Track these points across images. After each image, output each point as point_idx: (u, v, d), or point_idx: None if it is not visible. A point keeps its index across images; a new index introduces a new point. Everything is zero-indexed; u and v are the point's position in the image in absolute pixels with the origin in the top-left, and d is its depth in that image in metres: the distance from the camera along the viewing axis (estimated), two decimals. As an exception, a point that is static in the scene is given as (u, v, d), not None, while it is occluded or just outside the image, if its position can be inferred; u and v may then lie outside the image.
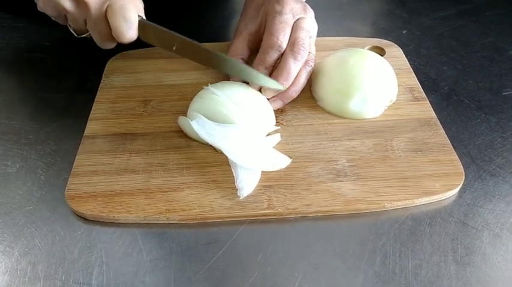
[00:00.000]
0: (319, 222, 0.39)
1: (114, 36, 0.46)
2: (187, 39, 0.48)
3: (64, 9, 0.45)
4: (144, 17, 0.47)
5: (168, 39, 0.48)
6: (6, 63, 0.58)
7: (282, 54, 0.47)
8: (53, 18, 0.48)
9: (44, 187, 0.42)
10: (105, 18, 0.46)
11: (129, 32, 0.46)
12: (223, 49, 0.55)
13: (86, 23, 0.47)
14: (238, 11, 0.54)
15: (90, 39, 0.49)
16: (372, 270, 0.36)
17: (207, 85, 0.47)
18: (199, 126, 0.43)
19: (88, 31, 0.48)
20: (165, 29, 0.47)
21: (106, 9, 0.45)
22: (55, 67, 0.57)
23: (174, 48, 0.48)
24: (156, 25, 0.47)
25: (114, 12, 0.45)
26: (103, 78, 0.53)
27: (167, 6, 0.66)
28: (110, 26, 0.46)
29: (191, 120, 0.44)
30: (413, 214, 0.40)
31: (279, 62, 0.47)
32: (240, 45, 0.50)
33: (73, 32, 0.49)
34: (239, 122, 0.44)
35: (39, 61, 0.58)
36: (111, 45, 0.49)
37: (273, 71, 0.47)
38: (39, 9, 0.47)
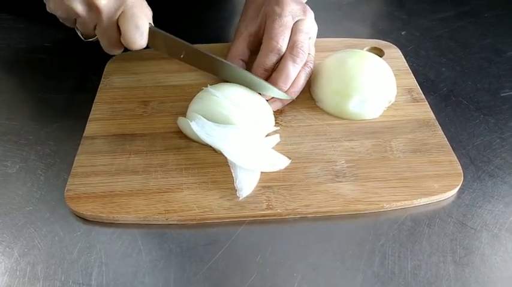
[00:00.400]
0: (318, 223, 0.39)
1: (124, 43, 0.47)
2: (195, 47, 0.48)
3: (76, 14, 0.45)
4: (153, 25, 0.48)
5: (176, 47, 0.49)
6: (6, 64, 0.58)
7: (281, 57, 0.47)
8: (61, 20, 0.48)
9: (44, 187, 0.42)
10: (116, 25, 0.46)
11: (140, 39, 0.46)
12: (223, 50, 0.55)
13: (95, 28, 0.47)
14: (239, 12, 0.55)
15: (90, 41, 0.49)
16: (370, 271, 0.36)
17: (207, 86, 0.47)
18: (199, 127, 0.43)
19: (96, 35, 0.48)
20: (173, 37, 0.48)
21: (118, 17, 0.45)
22: (55, 68, 0.57)
23: (182, 56, 0.49)
24: (165, 33, 0.48)
25: (126, 20, 0.45)
26: (102, 79, 0.53)
27: (168, 6, 0.66)
28: (119, 32, 0.46)
29: (190, 121, 0.44)
30: (412, 215, 0.40)
31: (278, 65, 0.47)
32: (240, 47, 0.50)
33: (80, 36, 0.49)
34: (238, 123, 0.44)
35: (39, 62, 0.58)
36: (118, 51, 0.50)
37: (272, 73, 0.47)
38: (48, 10, 0.47)
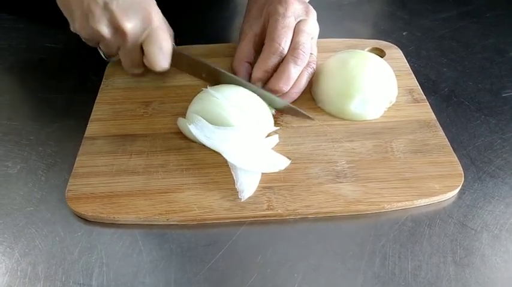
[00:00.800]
0: (319, 223, 0.39)
1: (147, 64, 0.48)
2: (216, 67, 0.49)
3: (101, 36, 0.45)
4: (175, 45, 0.48)
5: (198, 67, 0.50)
6: (7, 64, 0.58)
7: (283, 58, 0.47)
8: (83, 40, 0.48)
9: (45, 188, 0.42)
10: (140, 47, 0.47)
11: (164, 62, 0.47)
12: (224, 50, 0.55)
13: (118, 49, 0.47)
14: (240, 12, 0.55)
15: (113, 61, 0.50)
16: (371, 271, 0.36)
17: (207, 87, 0.47)
18: (198, 131, 0.43)
19: (118, 55, 0.49)
20: (195, 57, 0.49)
21: (143, 39, 0.46)
22: (56, 68, 0.57)
23: (204, 75, 0.49)
24: (187, 54, 0.49)
25: (150, 43, 0.46)
26: (104, 79, 0.53)
27: (168, 6, 0.66)
28: (142, 53, 0.47)
29: (189, 124, 0.44)
30: (412, 215, 0.40)
31: (280, 66, 0.47)
32: (246, 48, 0.50)
33: (102, 55, 0.50)
34: (238, 125, 0.44)
35: (40, 62, 0.58)
36: (140, 71, 0.50)
37: (273, 74, 0.47)
38: (73, 30, 0.46)
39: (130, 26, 0.44)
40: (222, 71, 0.49)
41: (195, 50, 0.56)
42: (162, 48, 0.46)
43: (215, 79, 0.50)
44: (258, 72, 0.47)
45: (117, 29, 0.44)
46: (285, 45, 0.47)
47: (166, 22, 0.48)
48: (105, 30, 0.44)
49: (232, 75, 0.49)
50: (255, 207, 0.40)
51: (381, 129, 0.47)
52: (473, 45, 0.61)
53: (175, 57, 0.48)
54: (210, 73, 0.49)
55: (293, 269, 0.36)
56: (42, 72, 0.56)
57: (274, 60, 0.47)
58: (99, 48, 0.49)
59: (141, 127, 0.47)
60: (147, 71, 0.50)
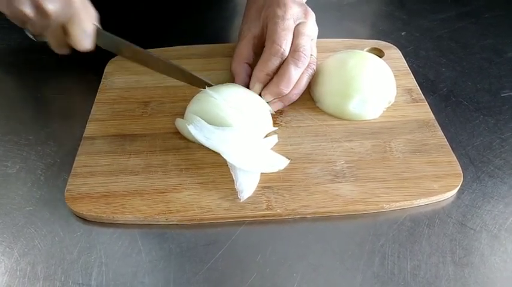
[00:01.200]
0: (318, 223, 0.39)
1: (71, 44, 0.49)
2: (138, 47, 0.50)
3: (25, 16, 0.46)
4: (100, 26, 0.50)
5: (120, 46, 0.51)
6: (6, 64, 0.58)
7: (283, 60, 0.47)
8: (10, 19, 0.48)
9: (44, 187, 0.42)
10: (63, 27, 0.48)
11: (87, 42, 0.49)
12: (223, 50, 0.55)
13: (44, 29, 0.48)
14: (239, 12, 0.55)
15: (42, 41, 0.50)
16: (370, 271, 0.36)
17: (205, 87, 0.47)
18: (197, 131, 0.43)
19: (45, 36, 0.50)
20: (117, 38, 0.50)
21: (65, 20, 0.47)
22: (55, 68, 0.57)
23: (127, 54, 0.51)
24: (109, 34, 0.50)
25: (73, 24, 0.47)
26: (103, 79, 0.53)
27: (168, 6, 0.67)
28: (66, 33, 0.48)
29: (188, 125, 0.44)
30: (411, 215, 0.40)
31: (280, 68, 0.47)
32: (245, 49, 0.50)
33: (30, 36, 0.51)
34: (235, 125, 0.44)
35: (39, 62, 0.58)
36: (67, 51, 0.52)
37: (274, 76, 0.47)
38: None
39: (51, 6, 0.45)
40: (144, 50, 0.50)
41: (195, 50, 0.56)
42: (84, 29, 0.48)
43: (139, 58, 0.51)
44: (259, 74, 0.47)
45: (40, 10, 0.45)
46: (285, 47, 0.47)
47: (89, 4, 0.49)
48: (28, 10, 0.45)
49: (152, 53, 0.50)
50: (254, 207, 0.40)
51: (380, 129, 0.47)
52: (472, 45, 0.61)
53: (99, 37, 0.50)
54: (132, 52, 0.51)
55: (292, 268, 0.36)
56: (42, 72, 0.56)
57: (275, 62, 0.47)
58: (28, 30, 0.50)
59: (140, 127, 0.47)
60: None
